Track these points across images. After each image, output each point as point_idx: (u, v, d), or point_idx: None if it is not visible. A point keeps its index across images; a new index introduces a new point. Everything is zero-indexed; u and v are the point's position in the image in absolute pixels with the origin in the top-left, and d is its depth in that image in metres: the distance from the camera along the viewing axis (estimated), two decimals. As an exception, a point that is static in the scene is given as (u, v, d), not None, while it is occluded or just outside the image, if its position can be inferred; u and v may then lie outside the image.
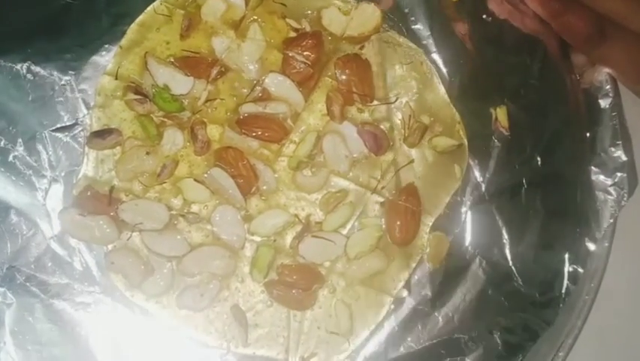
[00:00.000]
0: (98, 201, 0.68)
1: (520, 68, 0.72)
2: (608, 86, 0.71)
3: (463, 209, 0.71)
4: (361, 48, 0.71)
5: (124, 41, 0.70)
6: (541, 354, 0.70)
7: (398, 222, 0.70)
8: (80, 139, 0.69)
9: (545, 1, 0.67)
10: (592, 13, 0.67)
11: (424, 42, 0.72)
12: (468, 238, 0.71)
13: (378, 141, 0.70)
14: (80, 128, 0.69)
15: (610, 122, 0.71)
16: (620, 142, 0.70)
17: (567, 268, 0.70)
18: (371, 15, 0.71)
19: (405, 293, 0.70)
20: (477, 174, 0.71)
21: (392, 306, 0.70)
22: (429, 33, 0.72)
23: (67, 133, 0.69)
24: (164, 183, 0.69)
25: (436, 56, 0.72)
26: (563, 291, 0.70)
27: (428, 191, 0.71)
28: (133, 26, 0.70)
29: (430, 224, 0.71)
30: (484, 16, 0.72)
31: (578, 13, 0.67)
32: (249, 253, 0.69)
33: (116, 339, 0.68)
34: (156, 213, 0.68)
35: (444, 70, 0.72)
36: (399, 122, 0.71)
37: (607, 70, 0.71)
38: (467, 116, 0.71)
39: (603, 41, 0.67)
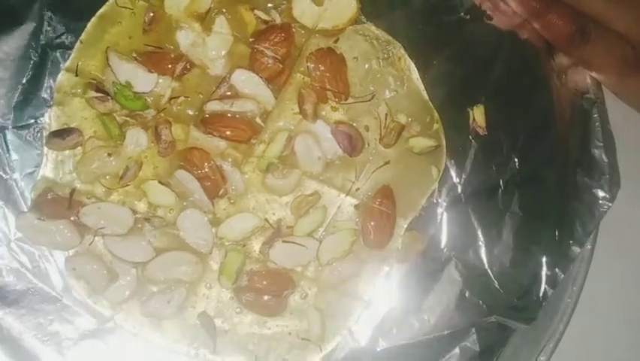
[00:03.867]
0: (58, 205, 0.65)
1: (498, 66, 0.69)
2: (591, 87, 0.69)
3: (439, 210, 0.69)
4: (335, 41, 0.67)
5: (84, 36, 0.66)
6: (522, 357, 0.69)
7: (372, 226, 0.67)
8: (39, 139, 0.66)
9: (526, 1, 0.65)
10: (573, 13, 0.65)
11: (401, 39, 0.68)
12: (444, 240, 0.69)
13: (352, 142, 0.66)
14: (39, 127, 0.66)
15: (592, 123, 0.69)
16: (602, 144, 0.68)
17: (545, 271, 0.68)
18: (346, 6, 0.67)
19: (378, 298, 0.68)
20: (453, 174, 0.69)
21: (365, 311, 0.68)
22: (404, 31, 0.68)
23: (26, 132, 0.66)
24: (128, 185, 0.66)
25: (410, 54, 0.68)
26: (541, 295, 0.68)
27: (404, 193, 0.68)
28: (93, 20, 0.66)
29: (405, 226, 0.68)
30: (462, 14, 0.69)
31: (560, 13, 0.65)
32: (217, 259, 0.67)
33: (79, 347, 0.66)
34: (120, 217, 0.65)
35: (416, 70, 0.68)
36: (374, 121, 0.67)
37: (588, 71, 0.69)
38: (443, 116, 0.68)
39: (585, 42, 0.65)
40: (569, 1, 0.65)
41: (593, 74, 0.69)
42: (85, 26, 0.66)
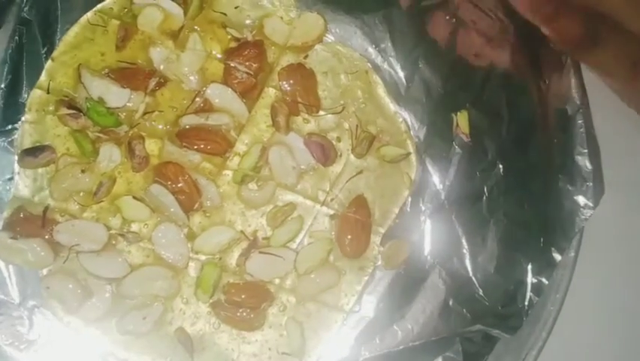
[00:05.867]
0: (31, 223, 0.64)
1: (482, 71, 0.70)
2: (575, 92, 0.69)
3: (422, 217, 0.69)
4: (305, 57, 0.69)
5: (56, 53, 0.67)
6: (505, 366, 0.68)
7: (349, 236, 0.67)
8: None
9: (536, 6, 0.64)
10: (584, 16, 0.64)
11: (383, 45, 0.70)
12: (427, 248, 0.69)
13: (325, 152, 0.68)
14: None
15: (577, 129, 0.68)
16: (586, 150, 0.68)
17: (530, 279, 0.68)
18: (314, 24, 0.69)
19: (357, 308, 0.68)
20: (436, 181, 0.69)
21: (346, 322, 0.67)
22: (387, 34, 0.70)
23: (4, 138, 0.66)
24: (102, 201, 0.65)
25: (393, 60, 0.70)
26: (526, 303, 0.68)
27: (378, 202, 0.69)
28: (65, 37, 0.67)
29: (381, 236, 0.68)
30: (447, 17, 0.70)
31: (571, 16, 0.64)
32: (193, 273, 0.66)
33: (56, 355, 0.65)
34: (94, 234, 0.64)
35: (401, 73, 0.70)
36: (346, 132, 0.69)
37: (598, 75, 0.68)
38: (427, 121, 0.69)
39: (595, 45, 0.64)
40: (586, 1, 0.64)
41: (602, 77, 0.68)
42: (61, 33, 0.67)
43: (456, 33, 0.70)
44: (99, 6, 0.67)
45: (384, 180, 0.69)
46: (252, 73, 0.67)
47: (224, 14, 0.68)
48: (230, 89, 0.67)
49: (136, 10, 0.67)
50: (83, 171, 0.65)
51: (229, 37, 0.68)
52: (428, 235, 0.69)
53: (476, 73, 0.70)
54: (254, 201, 0.67)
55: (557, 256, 0.68)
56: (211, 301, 0.66)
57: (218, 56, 0.68)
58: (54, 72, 0.66)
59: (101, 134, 0.66)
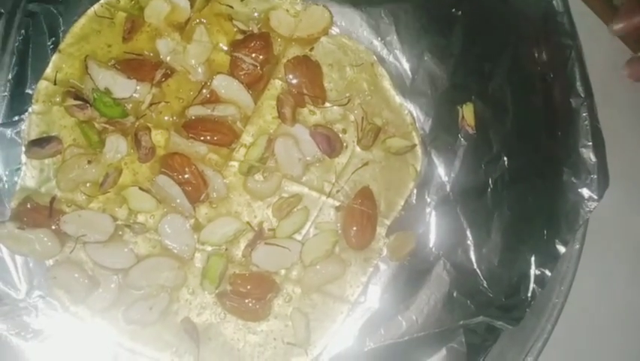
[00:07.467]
0: (39, 214, 0.64)
1: (488, 64, 0.70)
2: (580, 87, 0.69)
3: (428, 209, 0.69)
4: (311, 50, 0.70)
5: (63, 45, 0.67)
6: (509, 358, 0.68)
7: (354, 227, 0.68)
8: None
9: None
10: None
11: (389, 38, 0.70)
12: (432, 239, 0.69)
13: (331, 143, 0.68)
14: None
15: (581, 122, 0.68)
16: (591, 143, 0.68)
17: (533, 270, 0.68)
18: (320, 16, 0.70)
19: (362, 299, 0.68)
20: (442, 173, 0.69)
21: (351, 313, 0.68)
22: (393, 27, 0.70)
23: (11, 129, 0.66)
24: (108, 192, 0.66)
25: (398, 53, 0.70)
26: (529, 294, 0.68)
27: (383, 193, 0.69)
28: (72, 29, 0.67)
29: (386, 227, 0.69)
30: (454, 10, 0.70)
31: None
32: (199, 264, 0.66)
33: (61, 355, 0.65)
34: (100, 224, 0.65)
35: (406, 66, 0.70)
36: (352, 124, 0.69)
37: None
38: (432, 114, 0.70)
39: None
40: None
41: None
42: (67, 24, 0.67)
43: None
44: (106, -2, 0.68)
45: (390, 172, 0.69)
46: (258, 65, 0.67)
47: (231, 7, 0.69)
48: (236, 81, 0.67)
49: (143, 2, 0.68)
50: (89, 162, 0.65)
51: (235, 29, 0.69)
52: (433, 227, 0.69)
53: (482, 66, 0.70)
54: (260, 193, 0.67)
55: (561, 249, 0.68)
56: (217, 291, 0.66)
57: (225, 48, 0.68)
58: (61, 64, 0.67)
59: (107, 125, 0.66)
